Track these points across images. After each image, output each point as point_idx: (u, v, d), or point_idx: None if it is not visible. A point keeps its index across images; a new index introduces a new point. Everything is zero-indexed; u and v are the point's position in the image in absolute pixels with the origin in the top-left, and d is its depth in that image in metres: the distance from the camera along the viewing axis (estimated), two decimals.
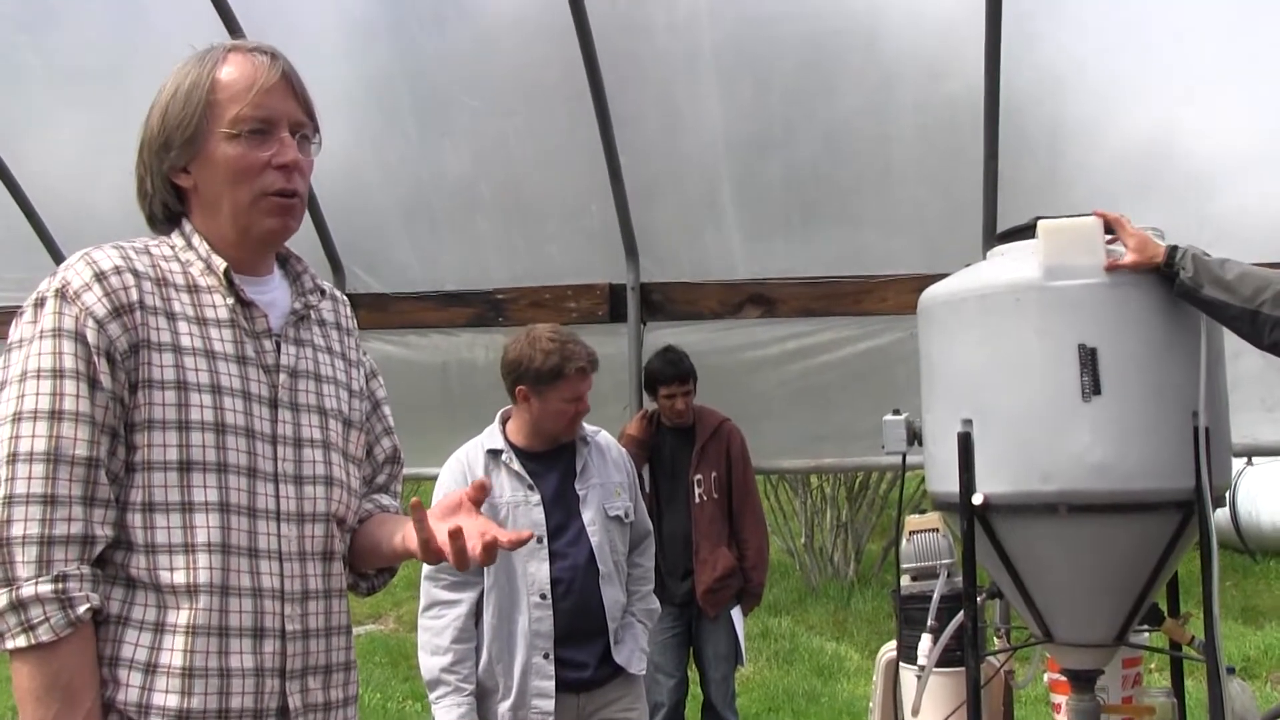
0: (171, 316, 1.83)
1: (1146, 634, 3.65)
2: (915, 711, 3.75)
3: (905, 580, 4.08)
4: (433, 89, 5.06)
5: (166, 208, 1.94)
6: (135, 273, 1.82)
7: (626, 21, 4.70)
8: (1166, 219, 3.49)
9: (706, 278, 5.15)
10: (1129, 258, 3.10)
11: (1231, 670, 3.58)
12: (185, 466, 1.79)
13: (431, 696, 3.51)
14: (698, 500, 5.17)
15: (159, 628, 1.77)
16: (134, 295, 1.80)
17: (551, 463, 3.63)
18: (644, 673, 3.75)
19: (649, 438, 5.19)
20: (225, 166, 1.87)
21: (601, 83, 4.75)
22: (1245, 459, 10.89)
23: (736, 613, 5.27)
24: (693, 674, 5.46)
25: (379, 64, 5.02)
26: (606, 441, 3.79)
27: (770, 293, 5.02)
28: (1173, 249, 3.10)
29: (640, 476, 4.87)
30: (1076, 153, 4.69)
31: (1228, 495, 12.07)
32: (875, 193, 4.80)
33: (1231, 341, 3.21)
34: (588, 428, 3.71)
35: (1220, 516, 12.07)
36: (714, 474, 5.17)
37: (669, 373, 5.09)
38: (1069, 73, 4.57)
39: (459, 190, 5.26)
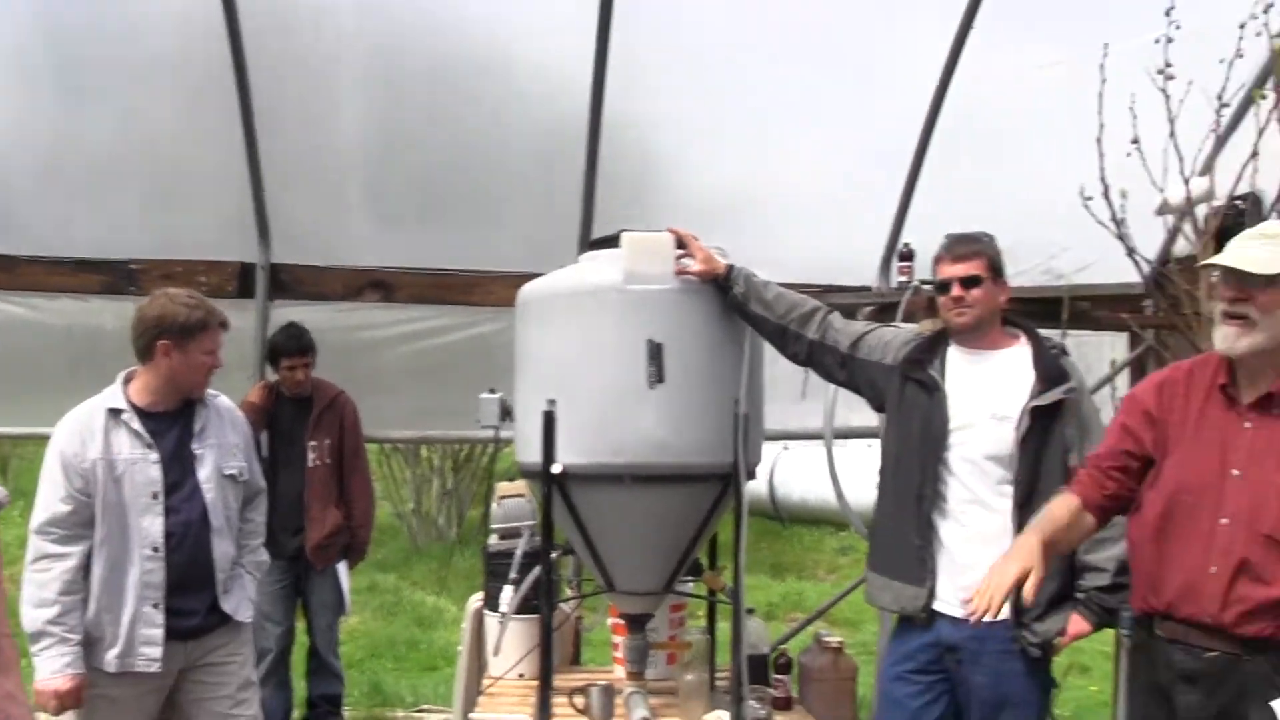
0: None
1: (690, 583, 3.84)
2: (496, 652, 3.80)
3: (494, 539, 4.11)
4: (77, 59, 4.62)
5: None
6: None
7: (275, 19, 4.48)
8: (732, 242, 3.70)
9: (332, 262, 5.00)
10: (696, 268, 3.26)
11: (751, 611, 3.83)
12: None
13: (35, 648, 3.20)
14: (311, 464, 5.01)
15: None
16: None
17: (170, 423, 3.41)
18: (250, 620, 3.58)
19: (269, 405, 4.99)
20: None
21: (246, 72, 4.51)
22: (781, 444, 11.70)
23: (343, 567, 5.15)
24: (301, 624, 5.29)
25: (18, 26, 4.52)
26: (225, 405, 3.59)
27: (390, 280, 4.96)
28: (730, 267, 3.29)
29: (258, 440, 4.68)
30: (665, 178, 4.90)
31: (767, 473, 13.03)
32: (491, 199, 4.81)
33: (770, 346, 3.43)
34: (208, 391, 3.51)
35: (760, 490, 13.03)
36: (328, 441, 5.04)
37: (290, 346, 4.92)
38: (664, 111, 4.75)
39: (98, 160, 4.83)
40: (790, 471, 12.86)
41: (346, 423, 5.06)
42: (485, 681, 3.88)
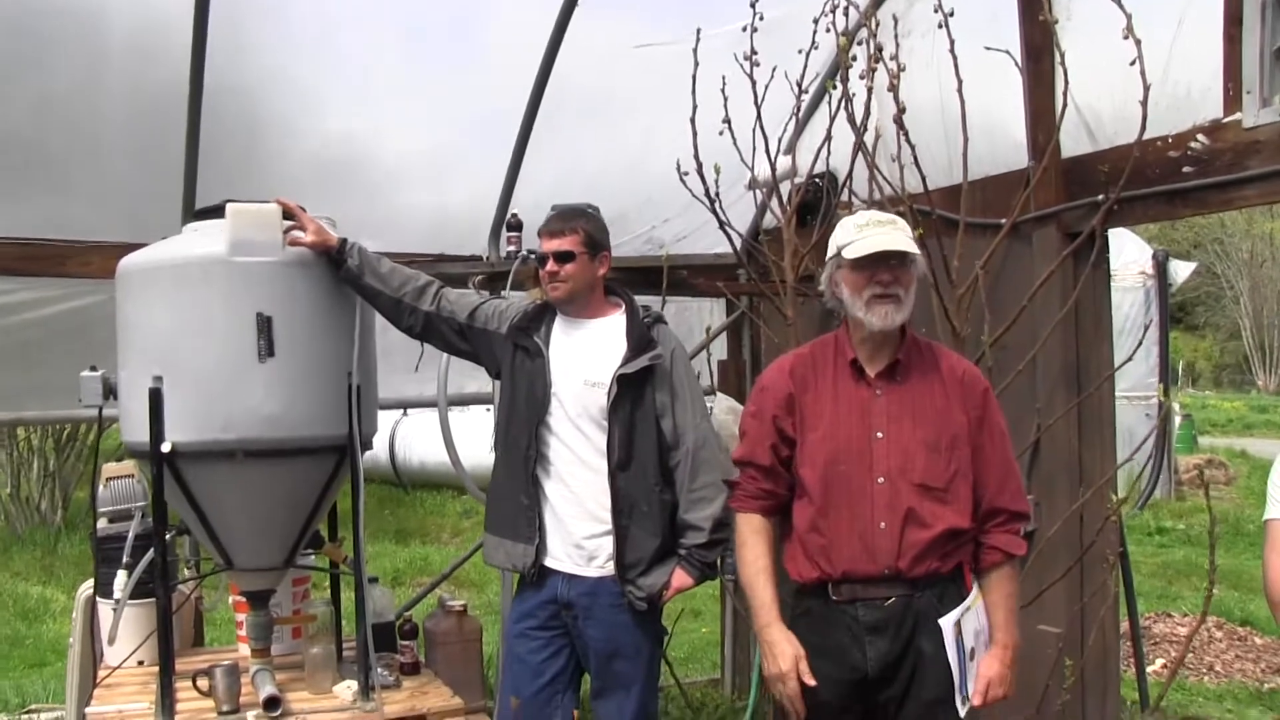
0: None
1: (312, 556, 3.85)
2: (111, 641, 3.66)
3: (103, 523, 3.94)
4: None
5: None
6: None
7: None
8: (346, 210, 3.70)
9: None
10: (308, 240, 3.28)
11: (374, 580, 3.90)
12: None
13: None
14: None
15: None
16: None
17: None
18: None
19: None
20: None
21: None
22: (402, 410, 11.58)
23: None
24: None
25: None
26: None
27: None
28: (343, 240, 3.32)
29: None
30: (273, 145, 4.75)
31: (387, 439, 12.98)
32: (85, 164, 4.48)
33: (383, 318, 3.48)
34: None
35: (381, 456, 12.97)
36: None
37: None
38: (271, 74, 4.60)
39: None
40: (410, 437, 12.85)
41: None
42: (101, 672, 3.73)
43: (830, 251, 2.85)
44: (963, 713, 2.76)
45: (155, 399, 3.12)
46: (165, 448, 3.13)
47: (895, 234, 2.74)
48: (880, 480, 2.74)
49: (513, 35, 4.63)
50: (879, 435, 2.77)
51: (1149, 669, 6.04)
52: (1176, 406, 16.17)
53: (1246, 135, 3.36)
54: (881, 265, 2.73)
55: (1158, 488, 11.71)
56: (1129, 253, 12.39)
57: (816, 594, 2.82)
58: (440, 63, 4.68)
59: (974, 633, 2.78)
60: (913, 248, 2.73)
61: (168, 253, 3.28)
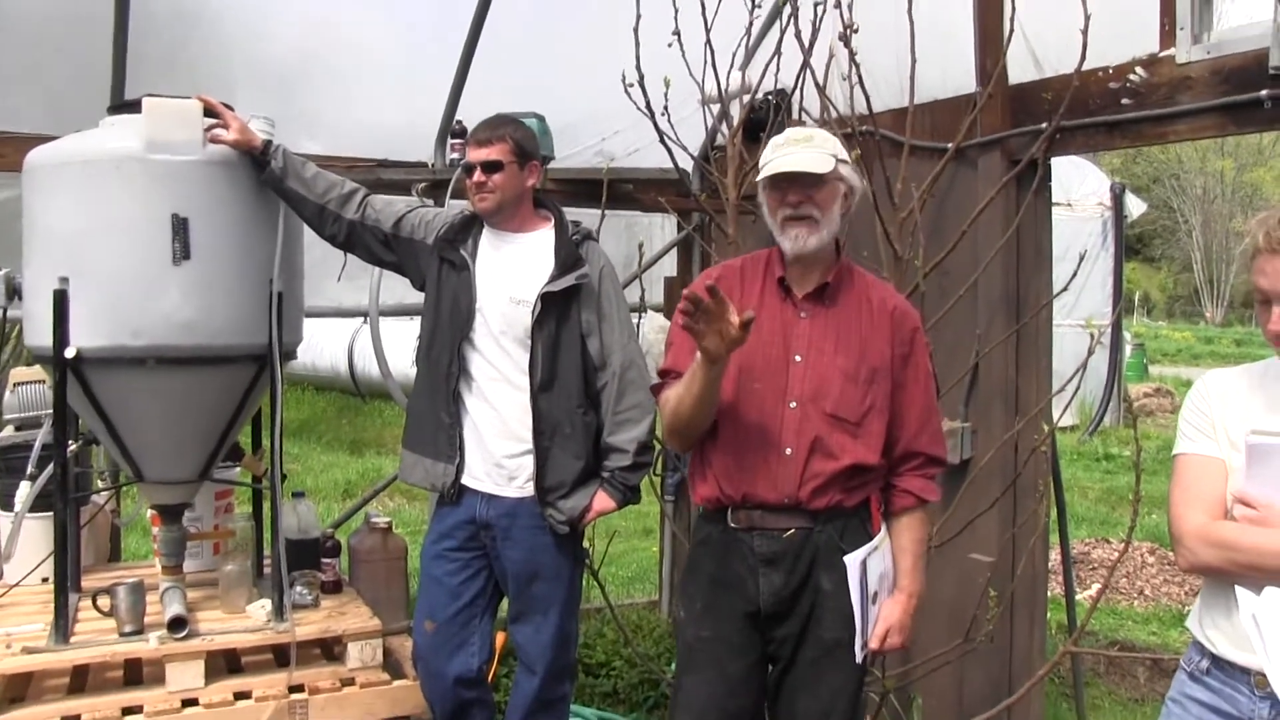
0: None
1: (234, 468, 3.74)
2: (8, 558, 3.54)
3: (9, 430, 3.81)
4: None
5: None
6: None
7: None
8: (285, 112, 3.51)
9: None
10: (230, 138, 3.14)
11: (301, 494, 3.81)
12: None
13: None
14: None
15: None
16: None
17: None
18: None
19: None
20: None
21: None
22: (362, 318, 11.22)
23: None
24: None
25: None
26: None
27: None
28: (268, 142, 3.18)
29: None
30: (216, 40, 4.52)
31: (346, 347, 12.76)
32: (3, 49, 4.26)
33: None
34: None
35: (339, 365, 12.73)
36: None
37: None
38: None
39: None
40: (370, 346, 12.55)
41: None
42: None
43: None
44: (859, 658, 2.66)
45: (60, 301, 2.99)
46: (69, 353, 3.00)
47: (807, 152, 2.58)
48: (792, 405, 2.62)
49: None
50: (797, 358, 2.65)
51: (1085, 594, 6.14)
52: (1129, 336, 16.30)
53: (1179, 70, 3.37)
54: (792, 185, 2.59)
55: (1107, 414, 11.85)
56: (1089, 184, 12.37)
57: (716, 520, 2.71)
58: None
59: (879, 575, 2.69)
60: (822, 166, 2.57)
61: (78, 147, 3.12)
